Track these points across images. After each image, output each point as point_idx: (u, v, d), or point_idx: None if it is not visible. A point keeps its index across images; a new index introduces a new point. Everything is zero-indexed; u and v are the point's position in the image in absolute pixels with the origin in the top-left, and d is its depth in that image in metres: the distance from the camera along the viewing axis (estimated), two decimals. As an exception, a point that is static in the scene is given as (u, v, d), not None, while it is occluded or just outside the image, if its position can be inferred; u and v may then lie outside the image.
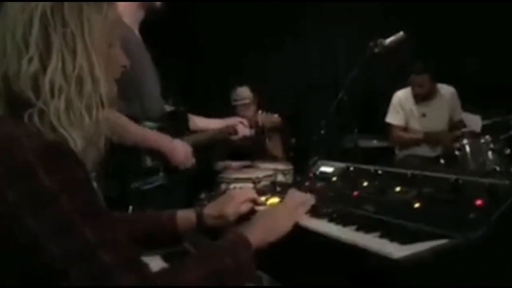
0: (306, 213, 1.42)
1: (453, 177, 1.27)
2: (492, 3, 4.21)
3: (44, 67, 0.98)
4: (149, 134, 2.22)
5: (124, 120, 2.11)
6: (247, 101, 4.30)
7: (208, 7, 4.70)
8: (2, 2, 1.03)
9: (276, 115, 2.95)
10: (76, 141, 0.98)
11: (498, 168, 3.30)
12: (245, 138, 2.88)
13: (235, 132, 2.71)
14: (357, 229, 1.22)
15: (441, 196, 1.25)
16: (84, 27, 1.02)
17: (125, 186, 2.18)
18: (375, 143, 4.03)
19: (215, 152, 4.14)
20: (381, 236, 1.14)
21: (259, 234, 1.23)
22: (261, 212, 1.44)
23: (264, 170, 3.71)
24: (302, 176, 2.06)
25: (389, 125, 4.24)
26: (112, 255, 0.91)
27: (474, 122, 4.32)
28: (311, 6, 4.79)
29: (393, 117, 4.22)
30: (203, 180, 3.50)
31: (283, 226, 1.29)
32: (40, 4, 1.00)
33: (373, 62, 2.86)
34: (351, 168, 1.65)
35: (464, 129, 3.91)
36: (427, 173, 1.38)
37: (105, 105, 1.06)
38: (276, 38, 4.77)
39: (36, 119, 0.97)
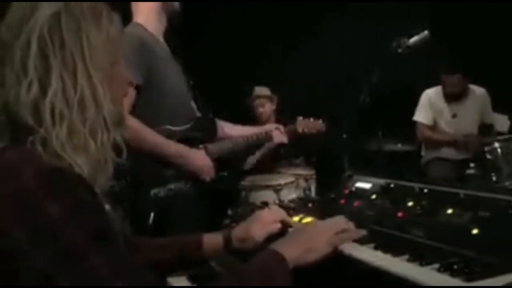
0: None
1: (513, 199, 1.14)
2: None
3: (44, 92, 0.93)
4: (164, 144, 2.16)
5: (140, 127, 2.08)
6: (263, 99, 4.38)
7: (224, 9, 4.61)
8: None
9: (320, 121, 2.85)
10: (82, 167, 0.92)
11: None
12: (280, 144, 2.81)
13: (271, 138, 2.63)
14: (410, 260, 1.09)
15: (501, 222, 1.12)
16: (83, 47, 0.96)
17: (146, 192, 2.14)
18: (399, 146, 3.89)
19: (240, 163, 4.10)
20: (440, 270, 1.01)
21: (296, 252, 1.13)
22: (297, 228, 1.32)
23: (285, 176, 3.60)
24: (331, 189, 1.94)
25: (416, 124, 4.11)
26: (125, 282, 0.87)
27: (501, 122, 4.18)
28: (330, 5, 4.66)
29: (421, 116, 4.10)
30: (225, 189, 3.42)
31: (322, 245, 1.17)
32: (38, 23, 0.93)
33: (397, 61, 2.73)
34: (392, 185, 1.52)
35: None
36: (481, 193, 1.25)
37: (110, 127, 1.01)
38: (296, 39, 4.65)
39: (38, 146, 0.91)
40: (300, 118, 2.82)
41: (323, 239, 1.19)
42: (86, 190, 0.90)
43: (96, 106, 0.97)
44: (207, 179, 2.29)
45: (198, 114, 2.42)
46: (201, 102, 2.46)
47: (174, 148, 2.20)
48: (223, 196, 3.00)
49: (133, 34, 2.13)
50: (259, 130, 2.63)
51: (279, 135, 2.64)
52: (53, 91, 0.93)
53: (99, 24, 1.01)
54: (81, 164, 0.93)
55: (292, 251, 1.13)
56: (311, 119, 2.82)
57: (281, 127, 2.68)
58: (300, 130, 2.77)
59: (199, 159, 2.26)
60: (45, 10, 0.95)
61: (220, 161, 2.48)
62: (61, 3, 0.97)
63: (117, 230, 0.97)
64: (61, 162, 0.91)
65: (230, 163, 3.64)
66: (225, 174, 3.70)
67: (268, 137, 2.61)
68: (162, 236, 1.58)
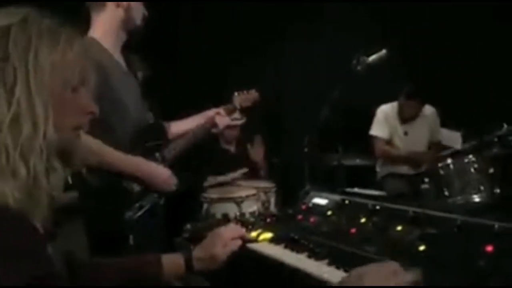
0: (303, 251, 1.36)
1: (459, 218, 1.22)
2: (465, 20, 4.22)
3: None
4: (124, 160, 2.14)
5: (99, 147, 2.04)
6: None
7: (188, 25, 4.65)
8: None
9: (253, 90, 2.85)
10: (7, 196, 0.83)
11: (482, 188, 3.29)
12: (227, 127, 2.81)
13: (215, 125, 2.64)
14: (361, 275, 1.14)
15: (447, 239, 1.19)
16: (28, 64, 0.90)
17: (120, 216, 2.12)
18: (357, 162, 3.98)
19: (200, 169, 4.09)
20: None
21: None
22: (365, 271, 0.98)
23: (246, 189, 3.63)
24: (291, 203, 1.99)
25: (373, 139, 4.19)
26: None
27: (455, 139, 4.32)
28: (294, 20, 4.75)
29: (378, 130, 4.16)
30: (187, 200, 3.43)
31: None
32: None
33: (357, 78, 2.82)
34: (347, 202, 1.58)
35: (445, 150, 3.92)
36: (429, 211, 1.32)
37: (46, 155, 0.90)
38: (258, 54, 4.70)
39: None
40: (236, 94, 2.81)
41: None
42: (21, 228, 0.82)
43: (32, 126, 0.88)
44: (172, 189, 2.27)
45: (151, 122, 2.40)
46: (151, 106, 2.43)
47: (134, 163, 2.17)
48: (180, 210, 3.00)
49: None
50: (202, 118, 2.63)
51: (222, 119, 2.65)
52: None
53: (54, 45, 0.95)
54: (7, 193, 0.84)
55: None
56: (245, 92, 2.82)
57: (221, 111, 2.68)
58: (238, 106, 2.78)
59: (160, 174, 2.24)
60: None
61: (180, 161, 2.48)
62: (19, 17, 0.93)
63: (57, 269, 0.90)
64: None
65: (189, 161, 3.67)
66: (186, 173, 3.71)
67: (213, 124, 2.62)
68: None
